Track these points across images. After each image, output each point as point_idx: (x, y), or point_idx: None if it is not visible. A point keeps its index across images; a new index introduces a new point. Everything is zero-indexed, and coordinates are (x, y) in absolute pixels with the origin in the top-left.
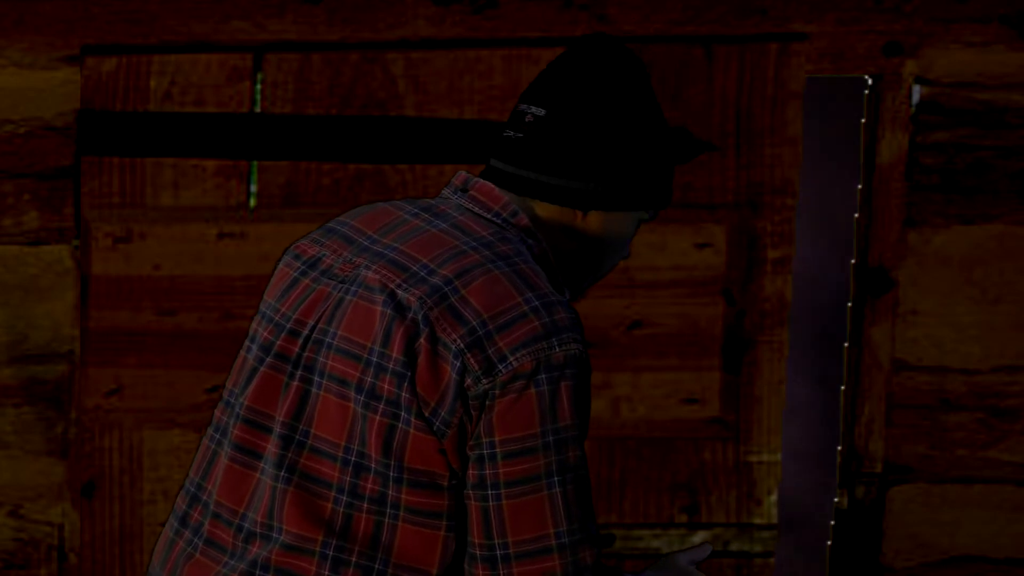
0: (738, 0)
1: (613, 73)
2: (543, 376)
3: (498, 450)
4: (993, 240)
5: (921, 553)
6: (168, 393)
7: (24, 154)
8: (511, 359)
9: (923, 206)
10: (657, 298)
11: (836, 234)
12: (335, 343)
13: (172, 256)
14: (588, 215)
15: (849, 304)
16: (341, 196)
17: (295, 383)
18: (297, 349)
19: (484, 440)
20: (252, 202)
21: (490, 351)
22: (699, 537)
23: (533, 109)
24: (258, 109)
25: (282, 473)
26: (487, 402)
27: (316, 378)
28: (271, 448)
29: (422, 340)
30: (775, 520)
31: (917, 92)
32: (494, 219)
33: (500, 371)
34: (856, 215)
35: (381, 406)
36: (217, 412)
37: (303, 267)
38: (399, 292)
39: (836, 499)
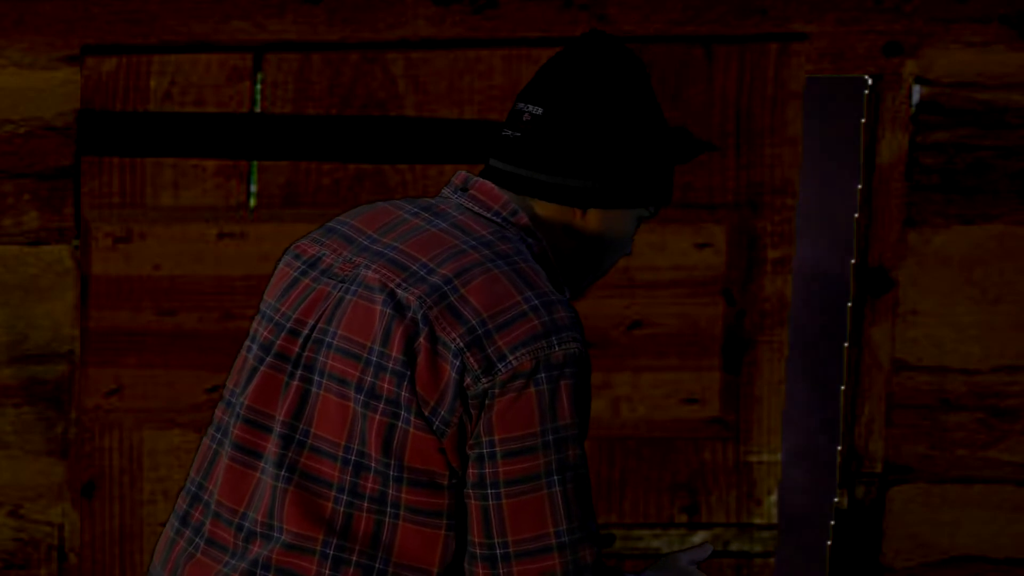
0: (738, 0)
1: (610, 71)
2: (543, 375)
3: (498, 449)
4: (993, 240)
5: (921, 553)
6: (168, 393)
7: (24, 154)
8: (511, 358)
9: (923, 206)
10: (657, 298)
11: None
12: (335, 342)
13: (172, 256)
14: (587, 213)
15: (849, 304)
16: (341, 196)
17: (295, 383)
18: (297, 349)
19: (484, 439)
20: (252, 202)
21: (489, 350)
22: (699, 537)
23: (531, 108)
24: (258, 109)
25: (282, 473)
26: (487, 401)
27: (316, 377)
28: (271, 448)
29: (421, 339)
30: (775, 520)
31: (917, 92)
32: (494, 218)
33: (500, 370)
34: (856, 215)
35: (381, 405)
36: (218, 412)
37: (303, 267)
38: (399, 291)
39: (836, 499)
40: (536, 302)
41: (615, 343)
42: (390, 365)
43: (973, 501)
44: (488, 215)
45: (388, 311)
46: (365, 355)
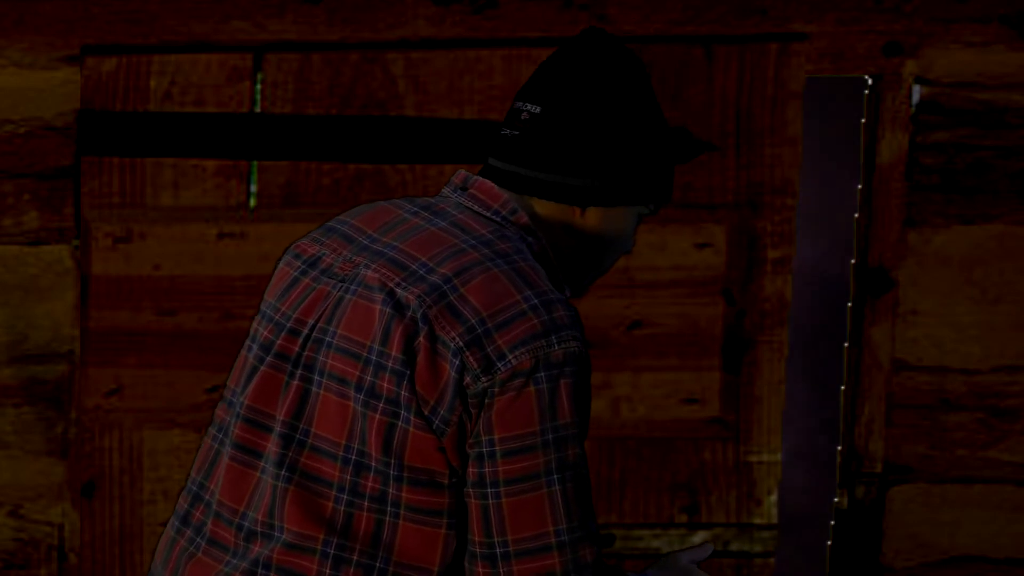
0: (738, 0)
1: (607, 68)
2: (542, 374)
3: (497, 448)
4: (993, 240)
5: (921, 553)
6: (168, 393)
7: (24, 154)
8: (510, 357)
9: (923, 206)
10: (657, 298)
11: (836, 234)
12: (335, 342)
13: (172, 256)
14: (587, 211)
15: (849, 304)
16: (341, 196)
17: (295, 382)
18: (297, 348)
19: (484, 438)
20: (252, 202)
21: (489, 349)
22: (699, 537)
23: (529, 107)
24: (258, 109)
25: (283, 472)
26: (486, 400)
27: (316, 377)
28: (271, 447)
29: (421, 338)
30: (775, 520)
31: (917, 92)
32: (493, 217)
33: (499, 369)
34: (856, 215)
35: (381, 405)
36: (219, 411)
37: (303, 266)
38: (398, 291)
39: (836, 499)
40: (535, 301)
41: (615, 343)
42: (390, 364)
43: (973, 501)
44: (488, 214)
45: (388, 310)
46: (365, 354)
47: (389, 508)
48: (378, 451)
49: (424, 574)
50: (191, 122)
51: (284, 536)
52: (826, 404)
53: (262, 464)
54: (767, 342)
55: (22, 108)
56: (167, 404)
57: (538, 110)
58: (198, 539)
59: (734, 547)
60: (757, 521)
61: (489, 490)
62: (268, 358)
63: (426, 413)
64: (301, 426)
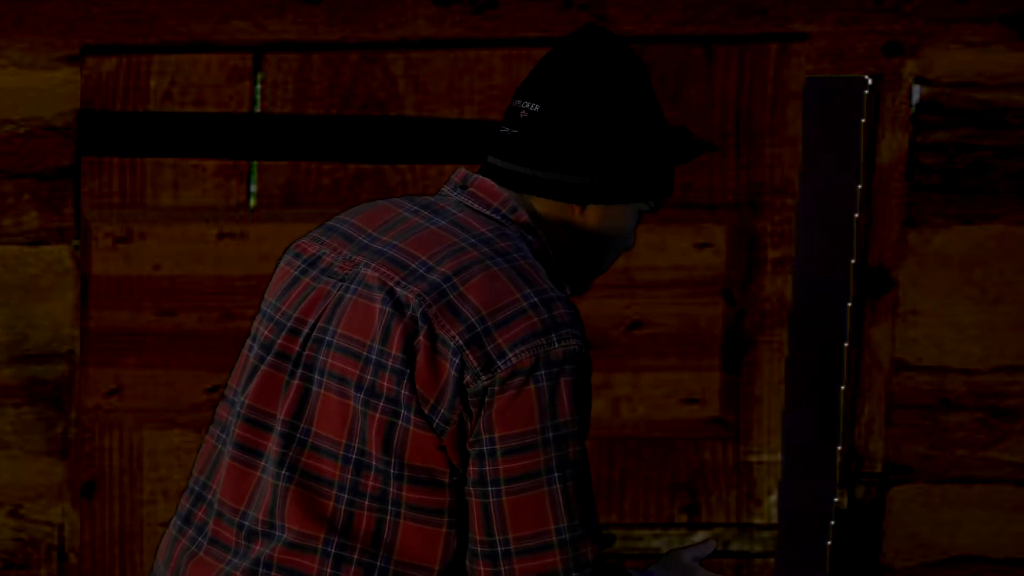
0: (738, 0)
1: (605, 66)
2: (542, 372)
3: (498, 446)
4: (993, 240)
5: (921, 553)
6: (168, 393)
7: (24, 154)
8: (510, 355)
9: (923, 206)
10: (657, 298)
11: (836, 234)
12: (335, 341)
13: (172, 256)
14: (586, 209)
15: (849, 304)
16: (341, 196)
17: (296, 382)
18: (297, 348)
19: (484, 437)
20: (252, 202)
21: (489, 348)
22: (699, 537)
23: (527, 105)
24: (258, 109)
25: (283, 472)
26: (486, 399)
27: (316, 376)
28: (272, 447)
29: (421, 337)
30: (775, 520)
31: (917, 92)
32: (493, 216)
33: (499, 367)
34: (856, 215)
35: (381, 404)
36: (220, 411)
37: (303, 265)
38: (398, 290)
39: (836, 499)
40: (535, 299)
41: (615, 343)
42: (390, 363)
43: (973, 501)
44: (487, 212)
45: (387, 309)
46: (365, 353)
47: (390, 507)
48: (378, 450)
49: (425, 573)
50: (191, 122)
51: (285, 535)
52: (826, 404)
53: (263, 464)
54: (767, 342)
55: (22, 108)
56: (167, 404)
57: (537, 108)
58: (200, 539)
59: (734, 547)
60: (757, 521)
61: (490, 488)
62: (268, 358)
63: (426, 412)
64: (302, 425)
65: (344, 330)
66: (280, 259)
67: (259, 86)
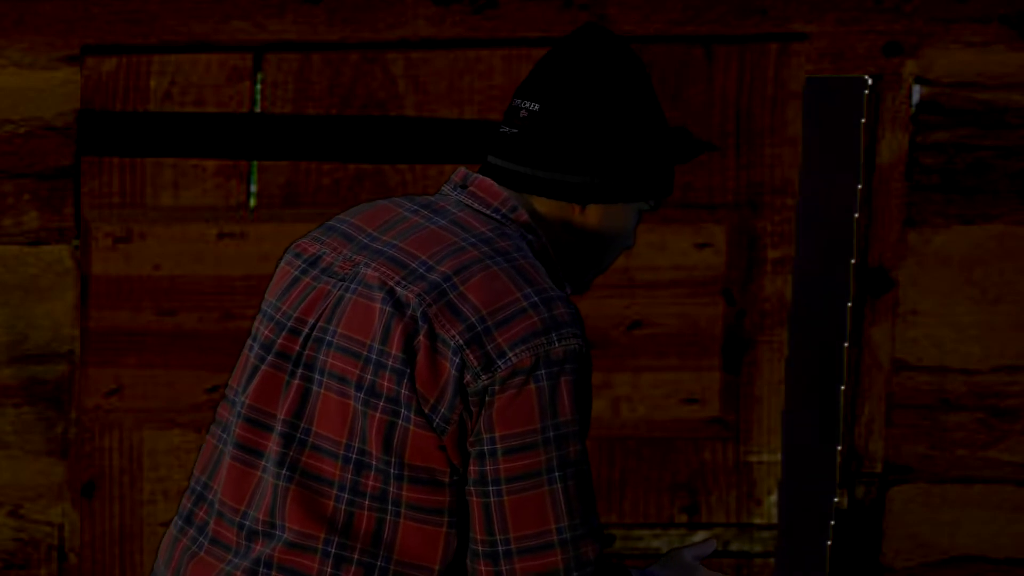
0: (738, 0)
1: (605, 65)
2: (542, 371)
3: (498, 446)
4: (993, 240)
5: (921, 553)
6: (168, 393)
7: (24, 154)
8: (510, 355)
9: (923, 206)
10: (657, 298)
11: (836, 234)
12: (335, 341)
13: (172, 256)
14: (587, 209)
15: (849, 304)
16: (341, 196)
17: (296, 381)
18: (298, 347)
19: (484, 436)
20: (252, 202)
21: (489, 347)
22: (699, 537)
23: (527, 104)
24: (258, 109)
25: (283, 471)
26: (487, 398)
27: (317, 376)
28: (272, 446)
29: (421, 337)
30: (775, 520)
31: (917, 92)
32: (493, 215)
33: (499, 367)
34: (856, 215)
35: (381, 403)
36: (221, 411)
37: (304, 265)
38: (398, 289)
39: (836, 499)
40: (536, 299)
41: (615, 343)
42: (390, 363)
43: (973, 501)
44: (488, 212)
45: (388, 309)
46: (365, 353)
47: (390, 507)
48: (379, 450)
49: (425, 572)
50: (191, 122)
51: (285, 535)
52: (826, 404)
53: (263, 463)
54: (767, 342)
55: (22, 108)
56: (167, 404)
57: (537, 108)
58: (200, 538)
59: (734, 547)
60: (757, 521)
61: (490, 488)
62: (269, 357)
63: (426, 411)
64: (302, 425)
65: (344, 330)
66: (280, 259)
67: (259, 86)
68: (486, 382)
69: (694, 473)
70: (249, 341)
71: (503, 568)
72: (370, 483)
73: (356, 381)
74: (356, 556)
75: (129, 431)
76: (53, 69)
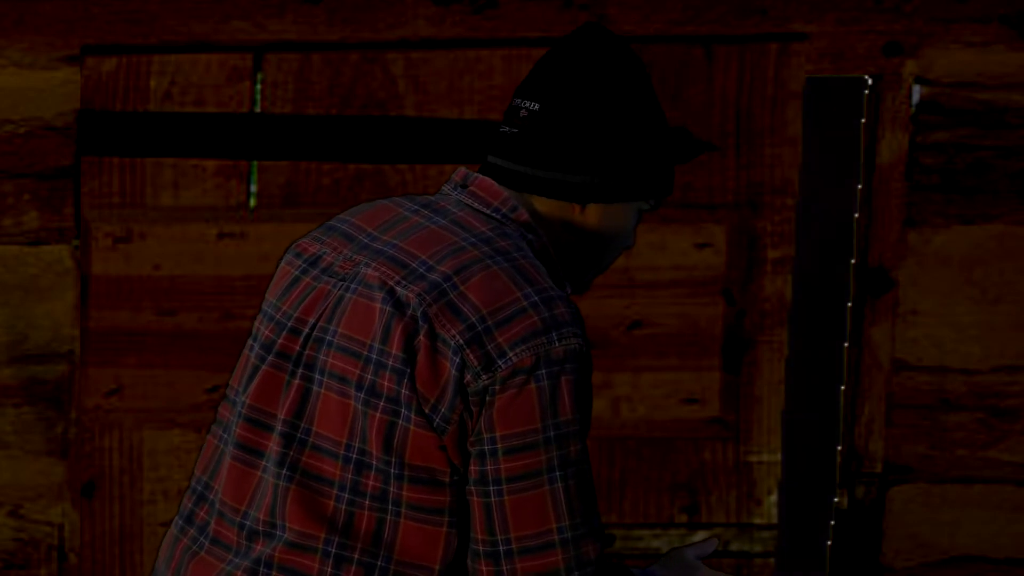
0: (738, 0)
1: (605, 64)
2: (543, 371)
3: (499, 446)
4: (993, 240)
5: (921, 553)
6: (168, 393)
7: (24, 154)
8: (510, 354)
9: (923, 206)
10: (657, 298)
11: (836, 234)
12: (335, 341)
13: (172, 256)
14: (587, 208)
15: (849, 304)
16: (341, 196)
17: (296, 381)
18: (298, 347)
19: (485, 436)
20: (252, 202)
21: (489, 347)
22: (699, 537)
23: (527, 104)
24: (258, 109)
25: (284, 471)
26: (487, 398)
27: (317, 376)
28: (273, 446)
29: (421, 336)
30: (775, 520)
31: (917, 92)
32: (493, 215)
33: (500, 367)
34: (856, 215)
35: (381, 403)
36: (222, 410)
37: (304, 265)
38: (398, 289)
39: (836, 499)
40: (536, 298)
41: (615, 343)
42: (390, 363)
43: (973, 501)
44: (488, 211)
45: (388, 309)
46: (365, 353)
47: (390, 507)
48: (379, 450)
49: (426, 572)
50: (191, 122)
51: (286, 535)
52: (826, 404)
53: (264, 463)
54: (767, 342)
55: (22, 108)
56: (167, 404)
57: (536, 107)
58: (201, 538)
59: (734, 547)
60: (757, 521)
61: (491, 488)
62: (269, 357)
63: (426, 411)
64: (302, 425)
65: (344, 329)
66: (281, 259)
67: (259, 86)
68: (486, 382)
69: (694, 473)
70: (249, 341)
71: (504, 568)
72: (370, 483)
73: (356, 381)
74: (356, 556)
75: (129, 431)
76: (53, 69)
